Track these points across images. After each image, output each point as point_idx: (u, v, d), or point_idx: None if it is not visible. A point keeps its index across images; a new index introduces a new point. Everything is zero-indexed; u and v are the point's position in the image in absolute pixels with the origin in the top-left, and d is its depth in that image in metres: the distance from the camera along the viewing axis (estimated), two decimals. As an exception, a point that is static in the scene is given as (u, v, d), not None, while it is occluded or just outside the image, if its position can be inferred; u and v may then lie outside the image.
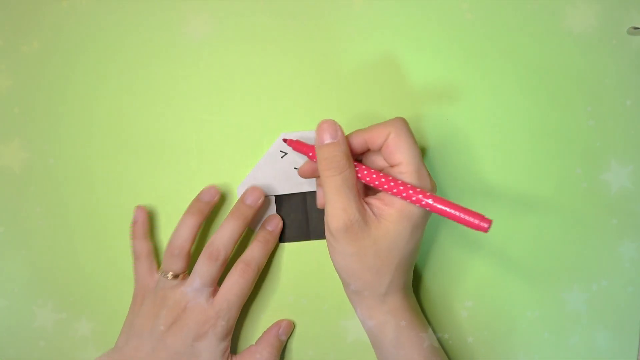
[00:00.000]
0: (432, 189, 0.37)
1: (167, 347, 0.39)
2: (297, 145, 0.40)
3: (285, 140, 0.41)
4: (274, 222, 0.43)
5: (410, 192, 0.35)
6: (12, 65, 0.45)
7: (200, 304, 0.39)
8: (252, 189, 0.42)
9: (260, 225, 0.44)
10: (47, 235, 0.44)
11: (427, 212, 0.37)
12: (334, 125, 0.37)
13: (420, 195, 0.35)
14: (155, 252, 0.44)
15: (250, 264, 0.41)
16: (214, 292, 0.40)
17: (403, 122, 0.37)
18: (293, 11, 0.45)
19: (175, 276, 0.40)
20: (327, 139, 0.37)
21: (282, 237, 0.44)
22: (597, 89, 0.44)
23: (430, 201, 0.35)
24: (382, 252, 0.37)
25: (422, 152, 0.44)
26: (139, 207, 0.43)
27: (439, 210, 0.35)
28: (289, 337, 0.44)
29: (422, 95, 0.44)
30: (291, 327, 0.44)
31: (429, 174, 0.37)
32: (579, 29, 0.44)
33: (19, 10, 0.45)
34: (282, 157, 0.43)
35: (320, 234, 0.44)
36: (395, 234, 0.36)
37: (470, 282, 0.44)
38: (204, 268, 0.40)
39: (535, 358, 0.44)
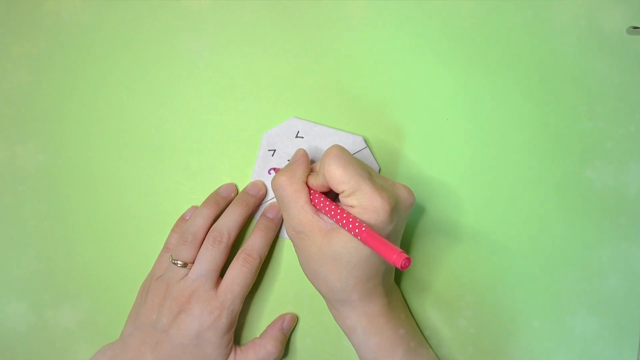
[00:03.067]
0: (386, 203, 0.36)
1: (171, 340, 0.39)
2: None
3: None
4: (274, 210, 0.43)
5: (345, 221, 0.36)
6: (12, 66, 0.45)
7: (204, 295, 0.40)
8: (254, 182, 0.44)
9: (260, 214, 0.44)
10: (47, 236, 0.44)
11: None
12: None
13: (351, 226, 0.36)
14: (156, 251, 0.44)
15: (252, 253, 0.41)
16: (217, 282, 0.41)
17: (331, 152, 0.38)
18: (293, 12, 0.45)
19: (184, 265, 0.41)
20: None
21: None
22: (597, 89, 0.44)
23: (357, 232, 0.35)
24: (327, 260, 0.37)
25: (422, 151, 0.44)
26: (194, 207, 0.44)
27: (365, 242, 0.35)
28: (292, 331, 0.44)
29: (421, 96, 0.44)
30: (294, 321, 0.44)
31: (380, 189, 0.37)
32: (579, 28, 0.44)
33: (19, 11, 0.45)
34: (272, 155, 0.44)
35: None
36: (339, 246, 0.37)
37: (468, 291, 0.44)
38: (208, 252, 0.40)
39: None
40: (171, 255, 0.41)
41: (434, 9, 0.44)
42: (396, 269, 0.42)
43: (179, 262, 0.41)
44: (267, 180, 0.44)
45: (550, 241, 0.44)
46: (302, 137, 0.44)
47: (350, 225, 0.36)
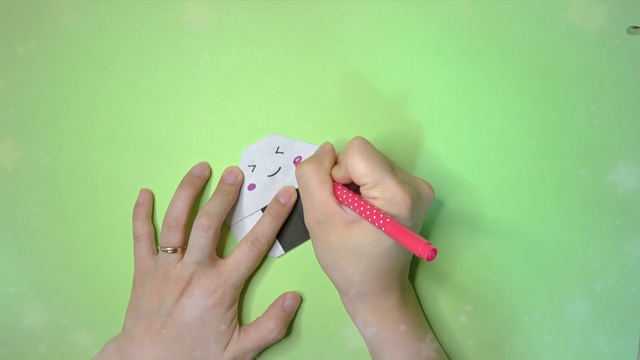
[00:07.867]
0: (408, 197, 0.36)
1: (176, 321, 0.40)
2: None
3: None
4: (287, 194, 0.43)
5: (368, 212, 0.36)
6: (8, 65, 0.45)
7: (204, 275, 0.41)
8: (228, 170, 0.44)
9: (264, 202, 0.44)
10: (43, 236, 0.45)
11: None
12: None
13: (375, 217, 0.35)
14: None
15: (261, 239, 0.42)
16: (214, 262, 0.42)
17: (353, 144, 0.37)
18: (292, 12, 0.44)
19: (174, 250, 0.41)
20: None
21: (285, 246, 0.44)
22: (599, 88, 0.44)
23: (381, 223, 0.35)
24: (347, 252, 0.37)
25: (422, 152, 0.44)
26: (144, 190, 0.44)
27: (390, 234, 0.35)
28: (297, 310, 0.44)
29: (422, 95, 0.44)
30: (297, 299, 0.44)
31: (402, 183, 0.36)
32: (580, 27, 0.44)
33: (15, 10, 0.45)
34: (252, 171, 0.44)
35: None
36: (359, 238, 0.37)
37: (469, 286, 0.44)
38: (199, 240, 0.41)
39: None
40: (159, 245, 0.42)
41: (434, 8, 0.44)
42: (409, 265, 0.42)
43: (169, 248, 0.41)
44: (247, 195, 0.44)
45: (551, 241, 0.43)
46: (282, 153, 0.44)
47: (374, 217, 0.35)
